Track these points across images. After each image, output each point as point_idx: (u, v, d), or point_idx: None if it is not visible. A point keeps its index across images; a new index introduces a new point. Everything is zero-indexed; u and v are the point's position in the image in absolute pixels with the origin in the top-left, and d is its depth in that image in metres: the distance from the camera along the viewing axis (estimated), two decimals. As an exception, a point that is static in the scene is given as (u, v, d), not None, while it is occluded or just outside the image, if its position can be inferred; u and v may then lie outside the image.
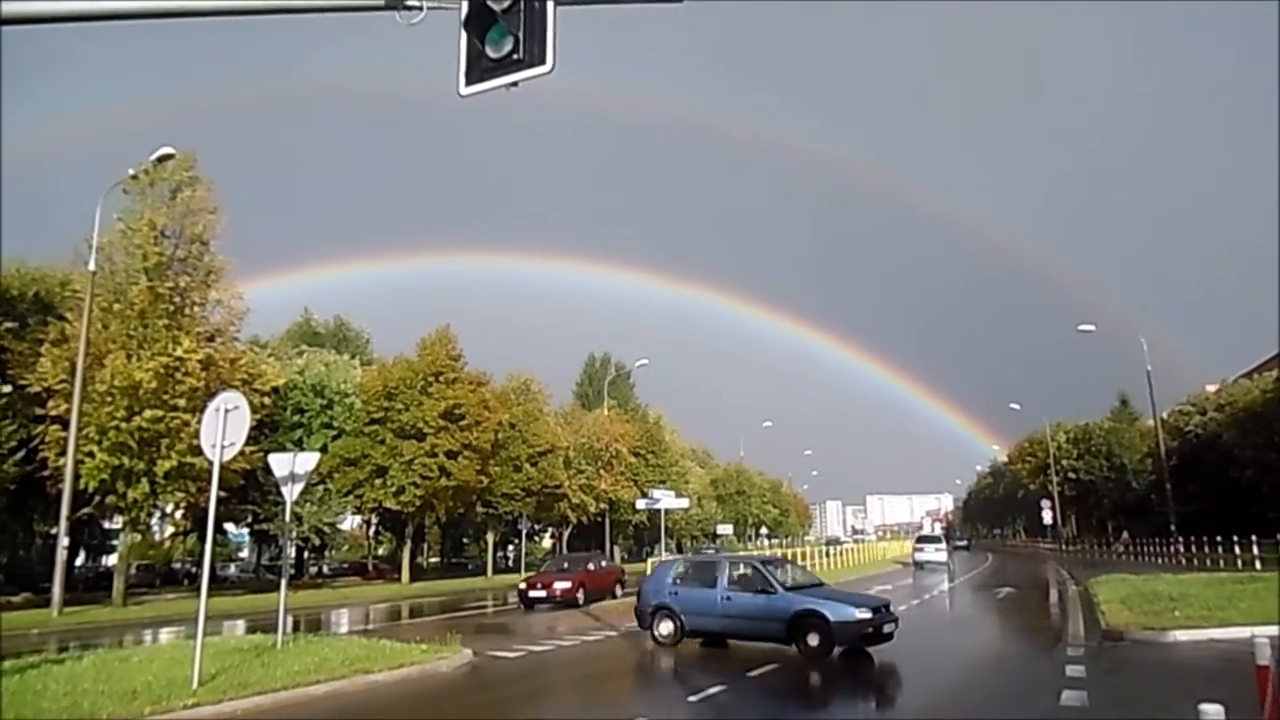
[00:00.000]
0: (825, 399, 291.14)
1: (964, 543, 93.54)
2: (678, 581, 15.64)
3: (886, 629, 13.72)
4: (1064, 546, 71.43)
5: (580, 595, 25.79)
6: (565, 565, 28.85)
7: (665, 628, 15.38)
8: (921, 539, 56.63)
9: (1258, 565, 30.77)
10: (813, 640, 13.43)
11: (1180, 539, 42.19)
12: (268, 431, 38.30)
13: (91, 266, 27.98)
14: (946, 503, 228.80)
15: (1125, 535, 59.58)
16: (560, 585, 25.72)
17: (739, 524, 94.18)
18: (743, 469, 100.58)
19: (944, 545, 54.15)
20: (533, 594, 25.69)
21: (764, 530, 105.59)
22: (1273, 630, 10.89)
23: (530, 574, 30.51)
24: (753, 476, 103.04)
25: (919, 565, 48.52)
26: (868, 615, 13.51)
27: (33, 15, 6.82)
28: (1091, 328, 50.15)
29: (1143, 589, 20.45)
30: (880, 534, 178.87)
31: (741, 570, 15.17)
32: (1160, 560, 42.27)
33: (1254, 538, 33.16)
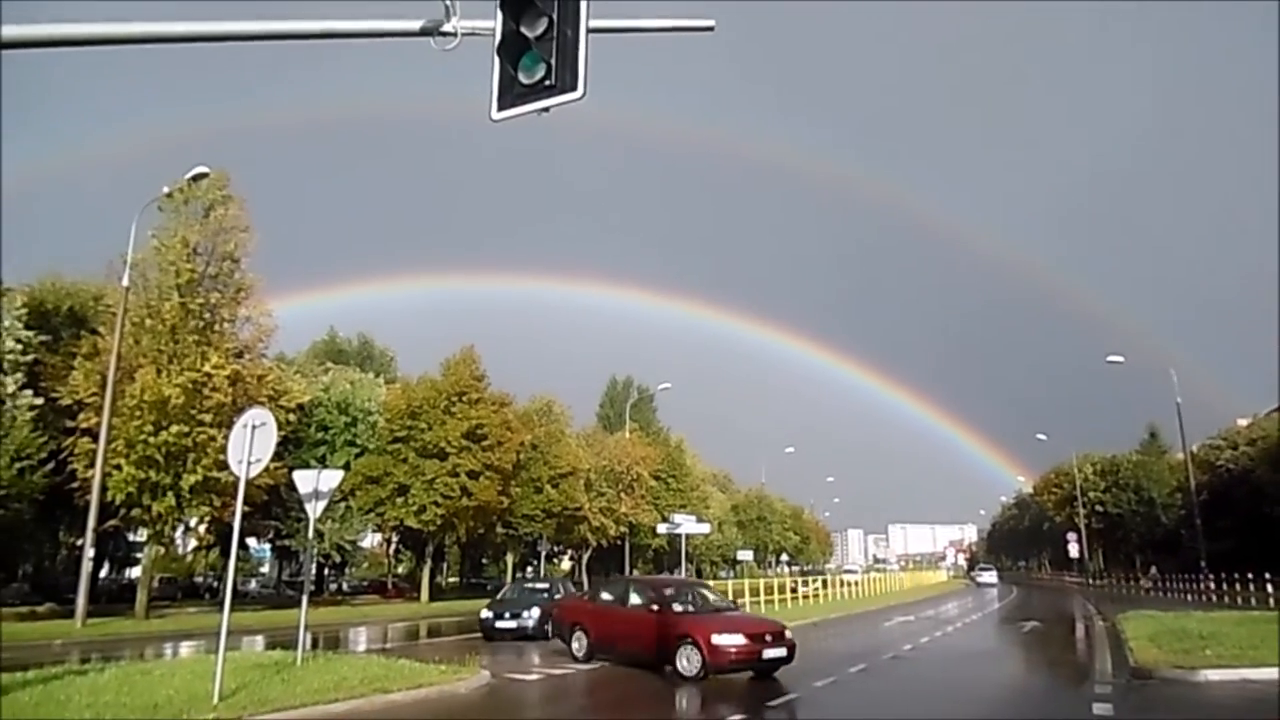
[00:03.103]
0: (849, 426, 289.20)
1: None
2: None
3: None
4: (1090, 580, 70.33)
5: None
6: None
7: None
8: (981, 568, 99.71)
9: (1291, 604, 30.12)
10: None
11: (1210, 575, 41.42)
12: (292, 448, 38.59)
13: (125, 282, 28.42)
14: (970, 533, 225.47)
15: (1153, 570, 58.55)
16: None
17: (759, 550, 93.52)
18: (764, 495, 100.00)
19: (994, 571, 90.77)
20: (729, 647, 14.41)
21: (784, 557, 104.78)
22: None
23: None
24: (774, 503, 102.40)
25: (978, 584, 76.71)
26: None
27: (37, 39, 6.99)
28: (1120, 359, 49.59)
29: (1172, 626, 20.04)
30: (902, 563, 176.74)
31: None
32: (1189, 597, 41.47)
33: (1287, 575, 32.53)
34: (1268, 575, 34.31)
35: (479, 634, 22.64)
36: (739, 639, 14.23)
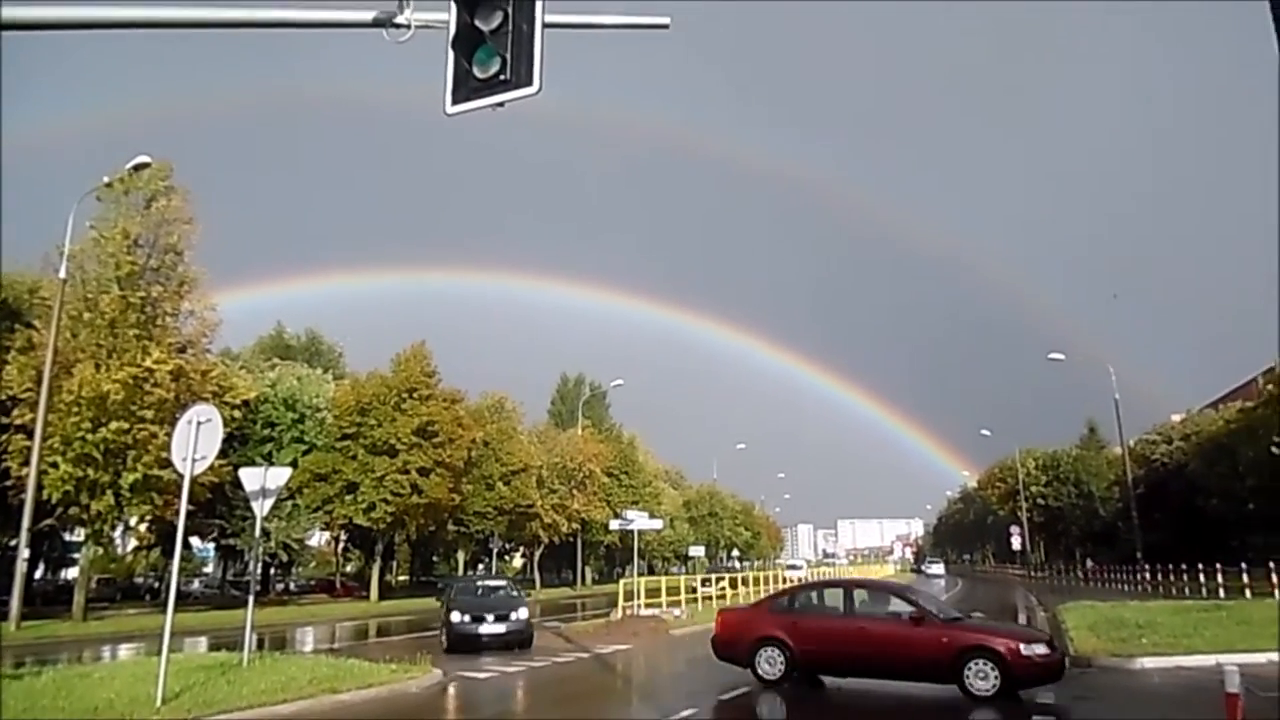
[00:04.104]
0: (798, 423, 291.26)
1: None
2: None
3: None
4: (1032, 572, 72.05)
5: None
6: None
7: None
8: (930, 561, 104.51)
9: (1222, 593, 31.18)
10: None
11: (1146, 566, 42.71)
12: (237, 445, 37.82)
13: (62, 274, 27.56)
14: (917, 527, 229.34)
15: (1090, 563, 60.17)
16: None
17: (711, 546, 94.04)
18: (715, 491, 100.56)
19: (941, 563, 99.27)
20: None
21: (735, 553, 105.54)
22: (1240, 659, 11.06)
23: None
24: (725, 499, 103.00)
25: (927, 576, 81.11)
26: None
27: (30, 21, 6.80)
28: (1061, 356, 50.91)
29: (1110, 616, 20.65)
30: (851, 558, 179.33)
31: None
32: (1126, 587, 42.71)
33: (1218, 566, 33.64)
34: (1200, 566, 35.48)
35: (435, 636, 20.08)
36: (1041, 648, 12.04)
